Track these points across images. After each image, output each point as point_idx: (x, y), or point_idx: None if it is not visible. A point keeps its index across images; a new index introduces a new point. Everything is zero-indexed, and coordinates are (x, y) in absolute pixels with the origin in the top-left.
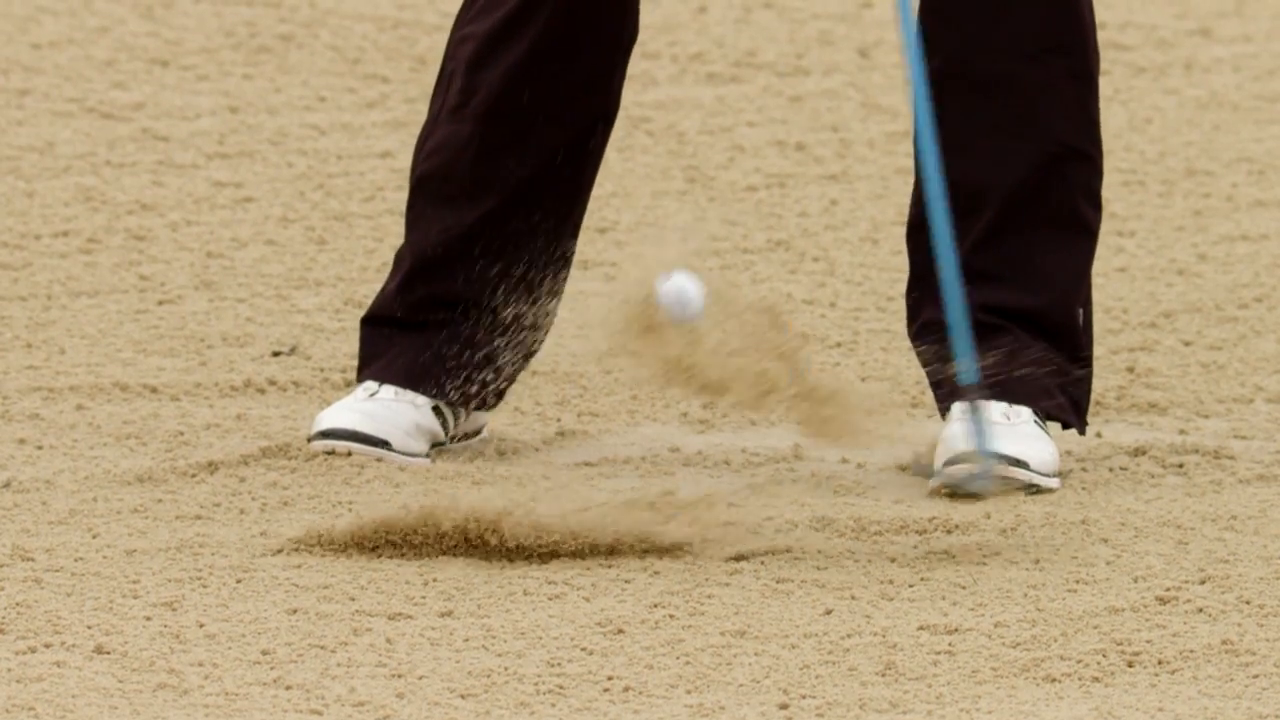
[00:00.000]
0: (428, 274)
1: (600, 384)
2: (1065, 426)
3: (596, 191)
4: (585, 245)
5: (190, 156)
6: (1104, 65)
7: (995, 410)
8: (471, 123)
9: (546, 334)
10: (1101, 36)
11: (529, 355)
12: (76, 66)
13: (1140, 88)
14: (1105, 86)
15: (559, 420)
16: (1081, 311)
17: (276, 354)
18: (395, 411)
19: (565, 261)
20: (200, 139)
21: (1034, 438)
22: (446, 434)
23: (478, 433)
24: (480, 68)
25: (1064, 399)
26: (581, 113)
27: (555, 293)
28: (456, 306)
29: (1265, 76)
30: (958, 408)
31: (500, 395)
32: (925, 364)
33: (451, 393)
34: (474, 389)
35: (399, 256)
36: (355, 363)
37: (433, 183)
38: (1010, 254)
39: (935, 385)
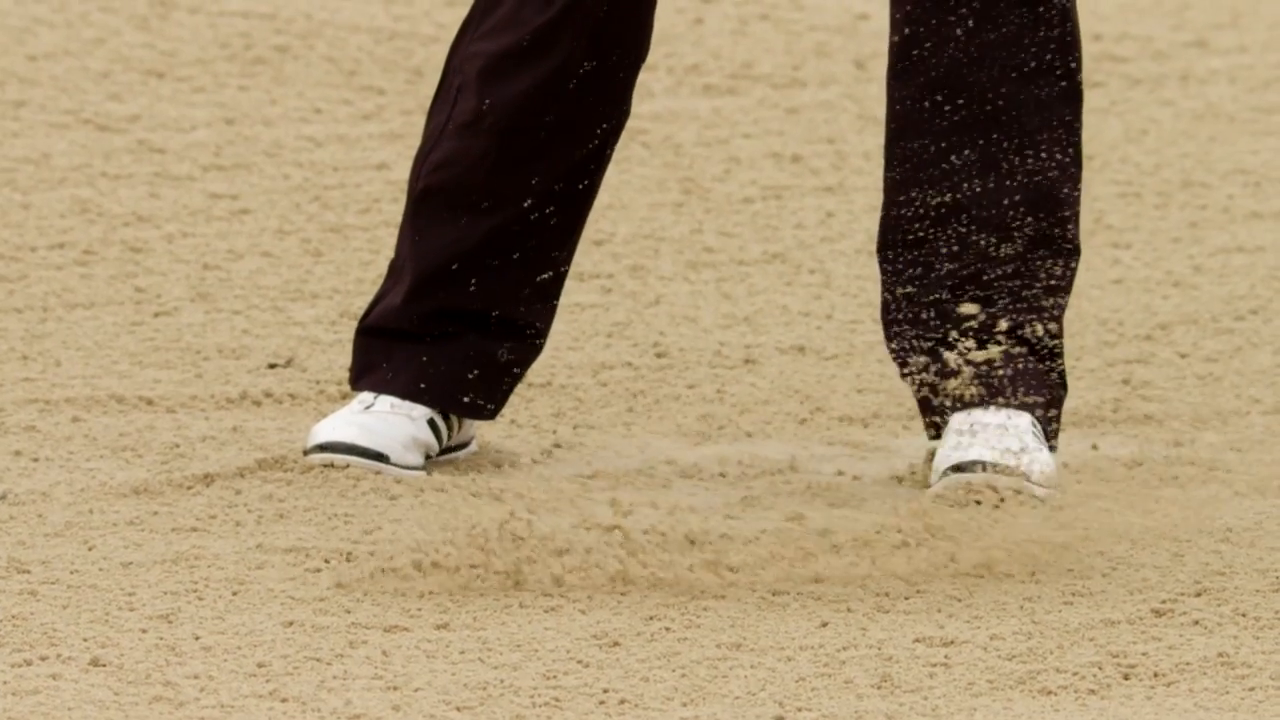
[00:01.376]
0: (437, 286)
1: (596, 396)
2: (1050, 438)
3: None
4: (581, 257)
5: (186, 168)
6: (1100, 77)
7: (994, 419)
8: (486, 138)
9: (546, 338)
10: (1097, 48)
11: (530, 361)
12: (72, 78)
13: (1136, 99)
14: (1101, 98)
15: (555, 432)
16: (1058, 329)
17: (273, 366)
18: (392, 425)
19: (568, 266)
20: (196, 151)
21: (1032, 448)
22: (440, 446)
23: (466, 444)
24: (496, 85)
25: (1054, 414)
26: (598, 127)
27: (557, 297)
28: (465, 318)
29: (1261, 88)
30: (956, 419)
31: (503, 403)
32: (913, 378)
33: (459, 402)
34: (480, 399)
35: (396, 268)
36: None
37: (441, 195)
38: (1003, 270)
39: (927, 399)
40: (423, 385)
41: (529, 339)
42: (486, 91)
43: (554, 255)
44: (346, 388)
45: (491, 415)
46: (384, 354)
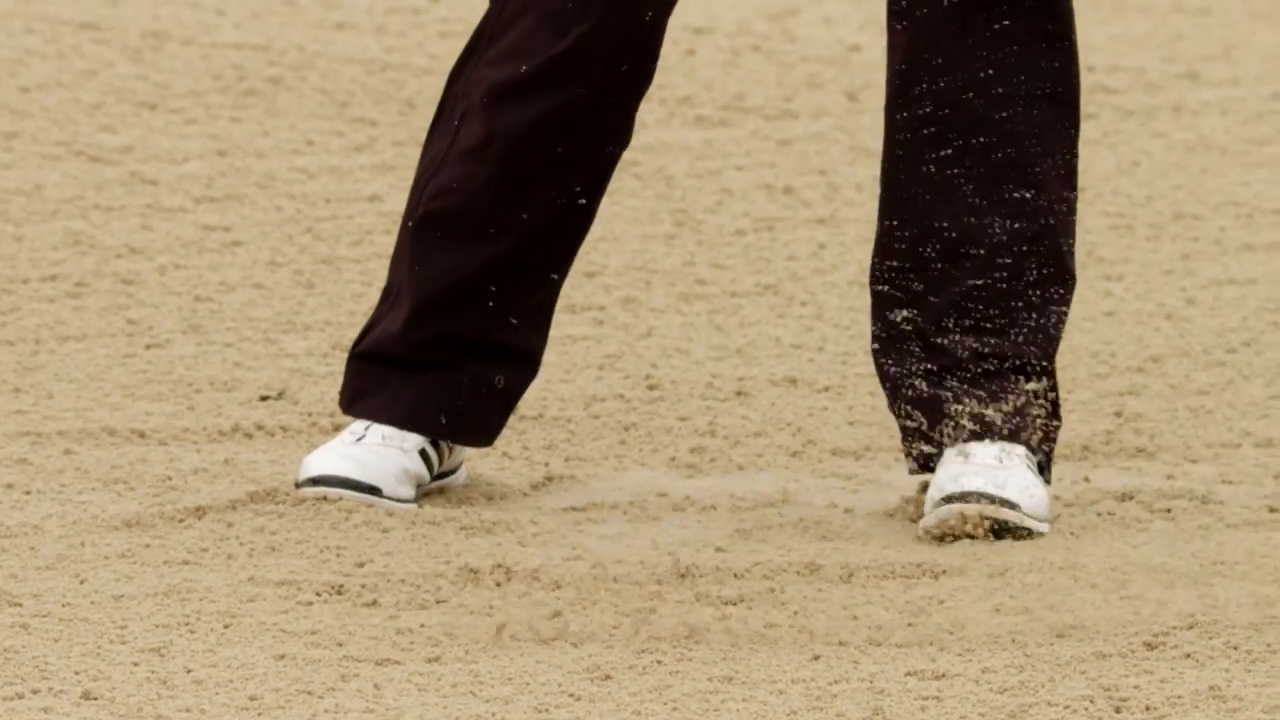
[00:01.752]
0: (436, 313)
1: (588, 428)
2: (1043, 470)
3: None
4: (573, 289)
5: (178, 200)
6: (1092, 109)
7: (988, 452)
8: (491, 165)
9: (540, 362)
10: (1090, 80)
11: (525, 386)
12: (64, 109)
13: (1128, 131)
14: (1093, 130)
15: (546, 465)
16: (1052, 360)
17: (264, 398)
18: (384, 457)
19: (562, 286)
20: (188, 182)
21: (1027, 480)
22: (431, 475)
23: (455, 470)
24: (503, 112)
25: (1047, 446)
26: (601, 154)
27: (551, 319)
28: (464, 344)
29: (1253, 120)
30: (950, 451)
31: (499, 429)
32: (903, 410)
33: (455, 430)
34: (477, 426)
35: (392, 294)
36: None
37: (443, 221)
38: (1000, 302)
39: (916, 431)
40: (419, 414)
41: (525, 364)
42: (492, 118)
43: (551, 278)
44: (339, 419)
45: (488, 442)
46: (379, 381)
